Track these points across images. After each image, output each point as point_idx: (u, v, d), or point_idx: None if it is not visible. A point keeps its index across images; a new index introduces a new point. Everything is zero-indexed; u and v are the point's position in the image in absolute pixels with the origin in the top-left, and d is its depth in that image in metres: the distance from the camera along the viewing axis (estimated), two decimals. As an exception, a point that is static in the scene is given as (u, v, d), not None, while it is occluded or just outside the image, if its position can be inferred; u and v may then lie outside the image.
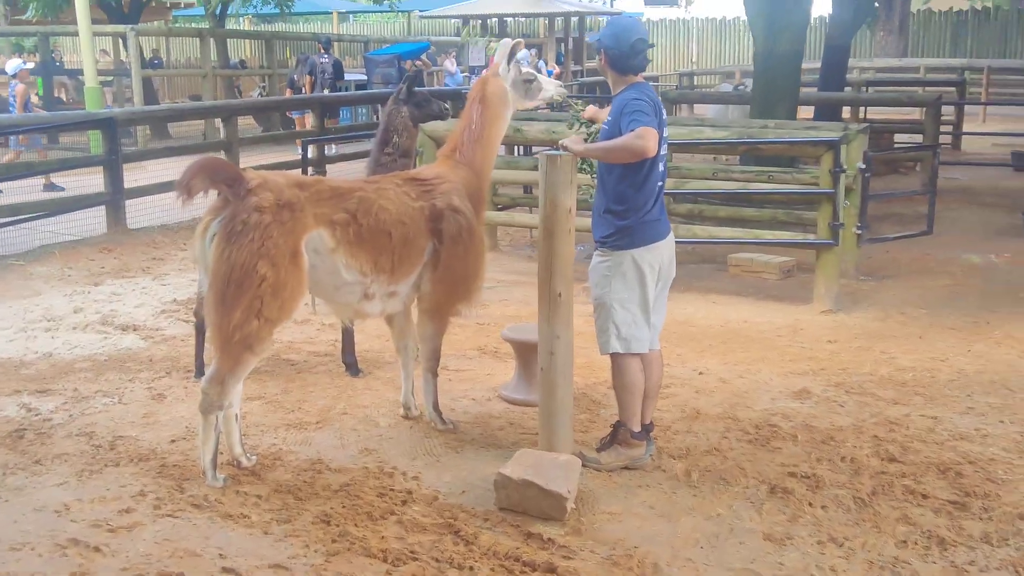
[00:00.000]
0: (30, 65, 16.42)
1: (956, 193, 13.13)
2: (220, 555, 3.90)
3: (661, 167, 4.57)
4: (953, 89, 18.80)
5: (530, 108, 5.45)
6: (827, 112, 14.97)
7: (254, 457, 4.80)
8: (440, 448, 5.01)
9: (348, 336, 6.19)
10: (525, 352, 5.60)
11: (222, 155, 11.76)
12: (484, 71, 5.43)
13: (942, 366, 6.33)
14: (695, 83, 25.99)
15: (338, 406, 5.58)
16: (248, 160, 12.49)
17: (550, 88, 5.32)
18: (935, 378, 6.06)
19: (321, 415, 5.44)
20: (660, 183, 4.59)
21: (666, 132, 4.61)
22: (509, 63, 5.17)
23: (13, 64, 14.39)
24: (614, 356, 4.64)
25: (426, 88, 18.06)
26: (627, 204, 4.51)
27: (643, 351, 4.65)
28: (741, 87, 17.56)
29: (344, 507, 4.30)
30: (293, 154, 14.35)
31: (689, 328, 7.26)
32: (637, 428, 4.70)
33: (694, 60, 33.53)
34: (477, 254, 5.02)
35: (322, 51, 17.38)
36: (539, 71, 19.17)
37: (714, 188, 8.58)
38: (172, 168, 12.44)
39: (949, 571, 3.76)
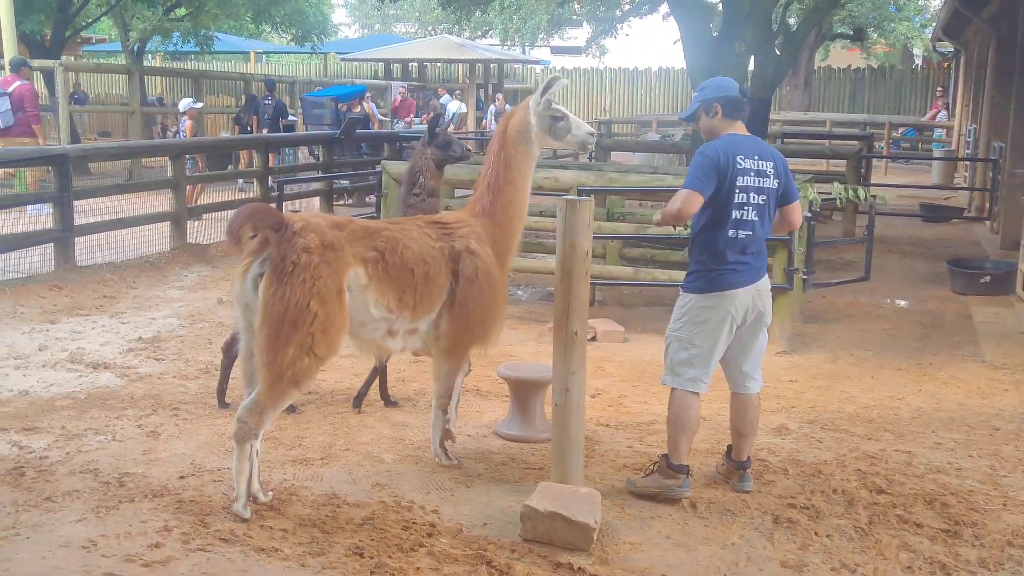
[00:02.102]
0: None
1: (875, 242, 13.81)
2: (261, 588, 3.96)
3: (742, 214, 4.79)
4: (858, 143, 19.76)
5: (556, 147, 5.53)
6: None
7: (270, 493, 4.85)
8: (450, 483, 5.13)
9: (382, 374, 6.33)
10: (521, 389, 5.78)
11: (169, 193, 11.68)
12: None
13: (901, 404, 6.72)
14: (612, 131, 26.68)
15: (338, 442, 5.65)
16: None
17: (581, 130, 5.27)
18: (898, 416, 6.44)
19: (324, 451, 5.51)
20: (743, 232, 4.80)
21: (753, 180, 4.80)
22: (543, 95, 5.15)
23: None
24: (671, 390, 4.95)
25: (371, 131, 18.30)
26: (703, 250, 4.83)
27: (698, 390, 4.91)
28: (668, 137, 18.14)
29: (373, 540, 4.39)
30: (234, 193, 14.30)
31: (656, 368, 7.46)
32: (676, 461, 4.91)
33: (607, 109, 34.38)
34: (494, 297, 5.11)
35: (267, 93, 17.68)
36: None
37: (670, 233, 8.90)
38: (120, 205, 12.35)
39: (956, 593, 4.05)
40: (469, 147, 6.66)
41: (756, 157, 4.82)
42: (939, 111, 27.77)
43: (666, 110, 33.26)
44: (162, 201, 11.99)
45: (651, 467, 5.03)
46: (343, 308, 4.62)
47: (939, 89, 29.78)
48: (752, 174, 4.79)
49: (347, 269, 4.64)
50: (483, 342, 5.25)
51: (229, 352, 6.23)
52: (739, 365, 5.02)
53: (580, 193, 7.88)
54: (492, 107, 26.40)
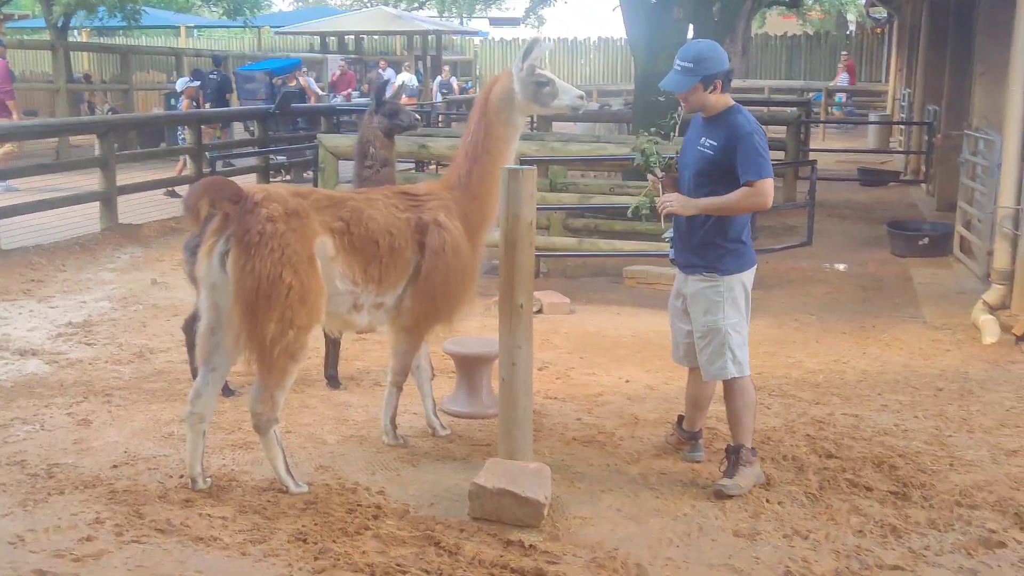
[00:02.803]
0: None
1: (815, 207, 13.90)
2: (202, 579, 3.80)
3: None
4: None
5: (543, 114, 5.27)
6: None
7: (210, 480, 4.68)
8: (395, 462, 5.00)
9: (334, 349, 6.15)
10: (467, 365, 5.66)
11: (99, 173, 11.31)
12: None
13: (846, 368, 6.73)
14: (553, 102, 26.49)
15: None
16: (125, 177, 12.07)
17: (568, 95, 5.03)
18: (844, 379, 6.44)
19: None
20: None
21: None
22: (525, 60, 4.92)
23: None
24: (731, 380, 4.73)
25: (307, 105, 17.96)
26: (739, 227, 4.64)
27: (749, 371, 4.80)
28: (607, 106, 18.06)
29: (317, 524, 4.25)
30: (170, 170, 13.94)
31: (602, 339, 7.46)
32: (750, 445, 4.75)
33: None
34: (462, 274, 4.89)
35: (213, 68, 17.36)
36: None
37: (614, 203, 8.83)
38: (48, 185, 11.96)
39: (908, 557, 4.03)
40: (417, 116, 6.44)
41: None
42: (842, 75, 28.16)
43: (606, 80, 33.22)
44: (91, 181, 11.61)
45: (728, 468, 4.68)
46: (317, 275, 4.45)
47: (844, 54, 30.21)
48: None
49: (315, 237, 4.47)
50: (447, 320, 5.04)
51: (191, 331, 6.02)
52: None
53: (522, 163, 7.75)
54: (438, 78, 26.12)
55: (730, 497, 4.55)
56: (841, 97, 27.20)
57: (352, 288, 4.69)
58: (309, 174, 16.19)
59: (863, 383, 6.36)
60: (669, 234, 4.92)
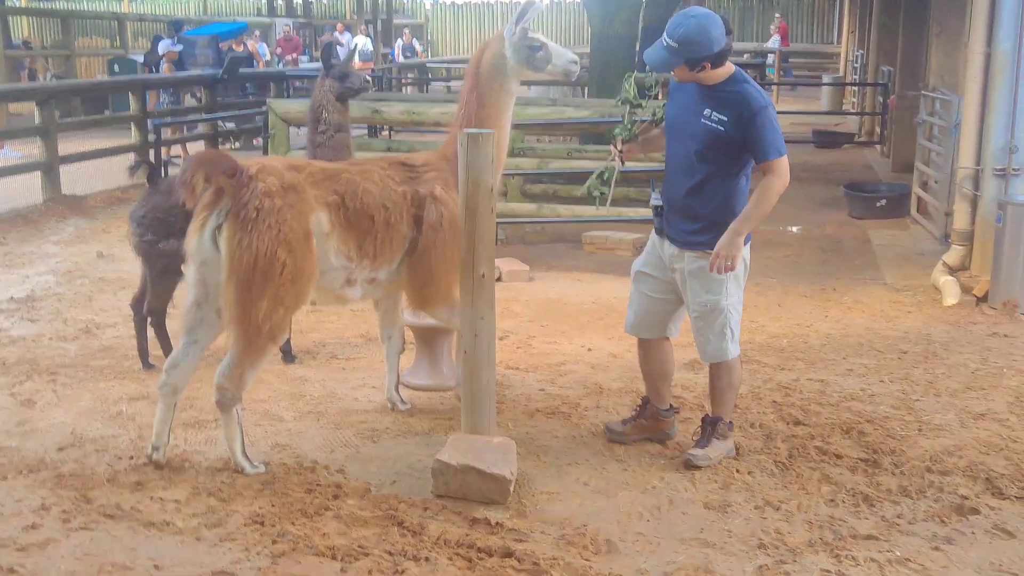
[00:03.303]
0: None
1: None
2: (155, 567, 3.63)
3: None
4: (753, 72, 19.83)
5: (537, 80, 4.98)
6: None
7: (164, 459, 4.51)
8: (355, 439, 4.84)
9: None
10: (427, 336, 5.50)
11: (38, 141, 10.92)
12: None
13: (809, 332, 6.67)
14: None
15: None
16: (69, 147, 11.68)
17: (562, 59, 4.78)
18: (808, 343, 6.38)
19: (217, 413, 5.13)
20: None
21: None
22: (518, 23, 4.67)
23: None
24: (728, 360, 4.51)
25: (255, 70, 17.57)
26: (744, 203, 4.40)
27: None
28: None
29: (274, 506, 4.09)
30: (119, 139, 13.52)
31: (564, 306, 7.34)
32: (729, 419, 4.63)
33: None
34: (459, 249, 4.59)
35: (174, 33, 16.99)
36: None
37: (572, 168, 8.68)
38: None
39: (881, 525, 3.96)
40: (368, 79, 6.20)
41: None
42: (774, 36, 28.12)
43: (559, 41, 32.81)
44: (31, 150, 11.23)
45: (704, 433, 4.57)
46: (311, 254, 4.32)
47: (777, 16, 30.21)
48: None
49: (311, 213, 4.34)
50: (447, 298, 4.76)
51: (139, 308, 5.81)
52: (682, 311, 4.69)
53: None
54: (399, 42, 25.69)
55: (698, 468, 4.45)
56: (772, 57, 26.96)
57: (346, 264, 4.53)
58: (259, 141, 15.89)
59: (827, 347, 6.30)
60: (655, 200, 4.61)
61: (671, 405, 4.85)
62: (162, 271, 5.71)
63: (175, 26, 17.79)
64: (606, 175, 4.82)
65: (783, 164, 4.25)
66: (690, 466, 4.46)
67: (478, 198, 4.39)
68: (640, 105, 4.78)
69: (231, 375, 4.31)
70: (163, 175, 6.05)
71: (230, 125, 14.80)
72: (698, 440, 4.59)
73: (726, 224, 4.30)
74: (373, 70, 19.86)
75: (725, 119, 4.24)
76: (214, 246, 4.23)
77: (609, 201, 4.92)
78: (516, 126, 8.54)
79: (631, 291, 4.77)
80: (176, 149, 13.71)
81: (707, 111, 4.29)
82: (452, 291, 4.73)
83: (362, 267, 4.57)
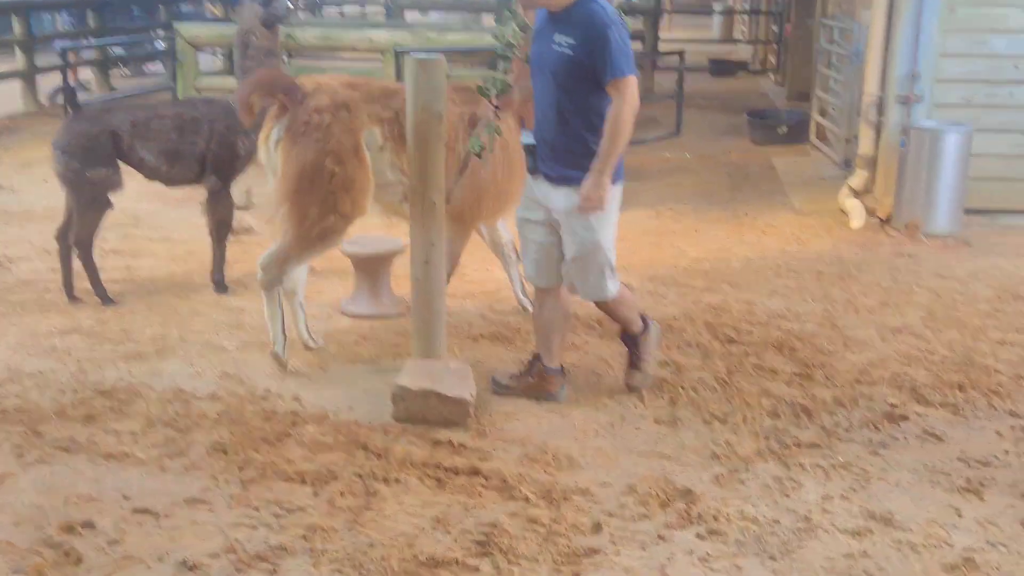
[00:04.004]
0: None
1: (671, 97, 14.08)
2: (124, 496, 3.62)
3: None
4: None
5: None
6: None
7: (321, 341, 5.06)
8: (304, 367, 4.85)
9: (220, 252, 5.94)
10: (367, 266, 5.51)
11: None
12: None
13: (729, 255, 6.90)
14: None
15: (172, 333, 5.23)
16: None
17: None
18: (730, 267, 6.61)
19: (157, 344, 5.08)
20: None
21: None
22: None
23: None
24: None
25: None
26: None
27: None
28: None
29: (233, 435, 4.10)
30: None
31: (489, 233, 7.39)
32: (555, 365, 4.52)
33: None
34: (510, 171, 4.85)
35: None
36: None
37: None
38: None
39: (821, 434, 4.20)
40: (290, 6, 6.03)
41: None
42: None
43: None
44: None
45: (631, 354, 4.57)
46: (363, 167, 4.64)
47: None
48: None
49: (362, 128, 4.64)
50: (492, 216, 5.11)
51: (64, 240, 5.64)
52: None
53: (398, 54, 7.48)
54: None
55: (645, 387, 4.58)
56: None
57: (402, 179, 4.71)
58: (150, 67, 15.31)
59: (748, 270, 6.54)
60: (526, 139, 4.36)
61: (562, 366, 4.59)
62: (90, 200, 5.56)
63: None
64: (487, 131, 4.51)
65: (630, 85, 4.00)
66: (635, 389, 4.58)
67: (428, 125, 4.39)
68: (514, 47, 4.51)
69: (274, 262, 4.69)
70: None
71: (118, 50, 14.18)
72: (631, 361, 4.60)
73: (593, 144, 4.10)
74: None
75: (573, 42, 4.03)
76: (277, 155, 4.64)
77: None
78: (436, 52, 8.49)
79: (521, 240, 4.57)
80: (84, 74, 13.12)
81: (557, 36, 4.08)
82: (500, 209, 5.04)
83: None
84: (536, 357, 4.57)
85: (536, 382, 4.54)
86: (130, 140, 5.56)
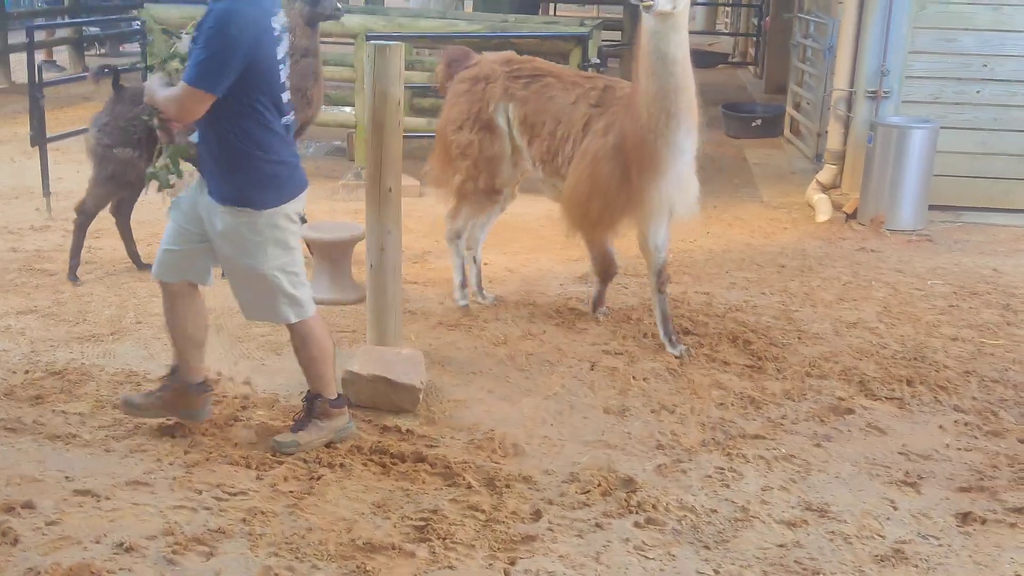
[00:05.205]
0: None
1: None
2: (66, 478, 3.62)
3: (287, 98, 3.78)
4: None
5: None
6: (528, 7, 15.34)
7: (492, 297, 5.57)
8: (258, 352, 4.86)
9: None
10: (328, 251, 5.52)
11: None
12: None
13: (693, 247, 6.93)
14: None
15: (127, 315, 5.23)
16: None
17: None
18: (693, 258, 6.64)
19: (113, 326, 5.08)
20: (288, 117, 3.78)
21: (281, 52, 3.71)
22: None
23: None
24: (293, 326, 3.85)
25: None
26: (265, 148, 3.65)
27: (314, 311, 3.89)
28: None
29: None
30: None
31: (456, 221, 7.40)
32: (334, 395, 3.97)
33: (374, -49, 32.92)
34: (590, 188, 4.81)
35: None
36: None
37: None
38: None
39: (767, 426, 4.25)
40: (339, 5, 5.96)
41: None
42: None
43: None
44: None
45: (301, 417, 3.96)
46: (490, 137, 5.08)
47: None
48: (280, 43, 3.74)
49: (493, 102, 5.03)
50: (577, 230, 5.15)
51: (121, 215, 5.96)
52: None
53: (368, 38, 7.45)
54: None
55: (288, 455, 3.81)
56: None
57: (526, 159, 5.18)
58: (126, 47, 15.21)
59: (710, 262, 6.58)
60: (191, 138, 3.84)
61: (205, 380, 4.04)
62: (109, 176, 5.69)
63: None
64: (172, 158, 3.91)
65: (189, 95, 3.52)
66: (278, 452, 3.83)
67: (385, 111, 4.41)
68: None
69: (448, 215, 5.47)
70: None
71: (94, 30, 14.08)
72: (295, 422, 3.96)
73: (255, 169, 3.64)
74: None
75: (195, 46, 3.60)
76: None
77: (193, 178, 3.94)
78: (406, 39, 8.47)
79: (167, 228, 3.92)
80: (54, 55, 13.04)
81: (195, 38, 3.65)
82: (578, 226, 5.08)
83: (535, 165, 5.09)
84: (173, 369, 4.00)
85: (174, 398, 3.94)
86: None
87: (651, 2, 4.20)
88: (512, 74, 5.09)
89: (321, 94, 6.00)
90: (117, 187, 5.70)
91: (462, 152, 5.15)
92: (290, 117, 3.80)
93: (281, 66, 3.70)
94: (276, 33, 3.66)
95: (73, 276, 5.68)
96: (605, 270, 5.33)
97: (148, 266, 5.63)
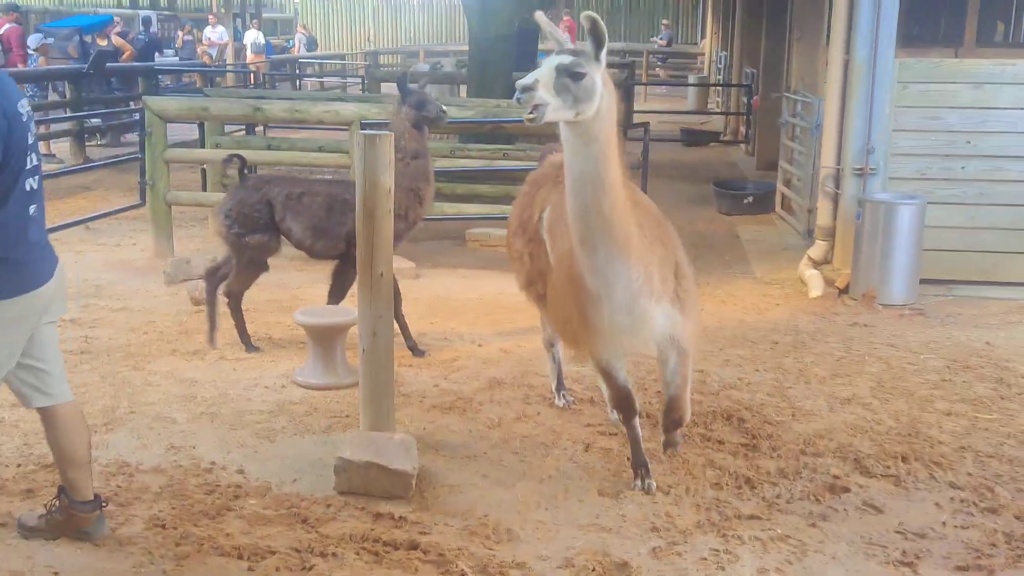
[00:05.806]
0: None
1: (637, 168, 14.28)
2: (54, 573, 3.59)
3: (33, 185, 3.50)
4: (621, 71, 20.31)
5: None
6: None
7: (571, 399, 5.35)
8: (252, 439, 4.85)
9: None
10: (321, 335, 5.55)
11: None
12: None
13: (687, 325, 6.95)
14: (379, 62, 26.14)
15: (121, 405, 5.23)
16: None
17: None
18: (687, 336, 6.65)
19: (107, 416, 5.08)
20: (33, 206, 3.52)
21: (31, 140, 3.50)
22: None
23: None
24: (42, 410, 3.80)
25: (132, 64, 17.06)
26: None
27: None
28: (439, 66, 17.93)
29: (174, 508, 4.09)
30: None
31: (451, 302, 7.45)
32: (84, 497, 3.79)
33: (371, 39, 33.62)
34: (557, 294, 4.37)
35: (142, 28, 16.66)
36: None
37: (455, 167, 8.80)
38: None
39: (762, 505, 4.22)
40: (444, 108, 6.14)
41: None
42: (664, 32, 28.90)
43: (430, 39, 32.99)
44: None
45: (59, 503, 3.83)
46: (533, 243, 4.67)
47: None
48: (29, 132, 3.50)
49: (541, 204, 4.69)
50: (558, 335, 4.89)
51: (214, 279, 6.24)
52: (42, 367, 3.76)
53: (364, 127, 7.60)
54: (299, 35, 25.31)
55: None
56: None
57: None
58: (127, 138, 15.45)
59: (704, 339, 6.58)
60: None
61: (96, 496, 3.85)
62: (247, 262, 6.07)
63: (145, 21, 17.45)
64: None
65: None
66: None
67: (376, 199, 4.47)
68: None
69: (542, 322, 5.32)
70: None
71: (96, 121, 14.32)
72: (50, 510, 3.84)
73: None
74: (233, 65, 19.52)
75: None
76: None
77: None
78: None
79: None
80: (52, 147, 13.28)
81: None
82: (558, 332, 4.77)
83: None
84: (61, 489, 3.83)
85: (64, 519, 3.81)
86: (282, 211, 6.02)
87: (533, 114, 3.57)
88: (555, 178, 4.42)
89: (432, 193, 6.22)
90: (256, 268, 6.15)
91: (513, 255, 4.91)
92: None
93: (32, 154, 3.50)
94: (24, 119, 3.44)
95: (251, 348, 6.10)
96: (619, 404, 4.47)
97: (257, 348, 6.11)
